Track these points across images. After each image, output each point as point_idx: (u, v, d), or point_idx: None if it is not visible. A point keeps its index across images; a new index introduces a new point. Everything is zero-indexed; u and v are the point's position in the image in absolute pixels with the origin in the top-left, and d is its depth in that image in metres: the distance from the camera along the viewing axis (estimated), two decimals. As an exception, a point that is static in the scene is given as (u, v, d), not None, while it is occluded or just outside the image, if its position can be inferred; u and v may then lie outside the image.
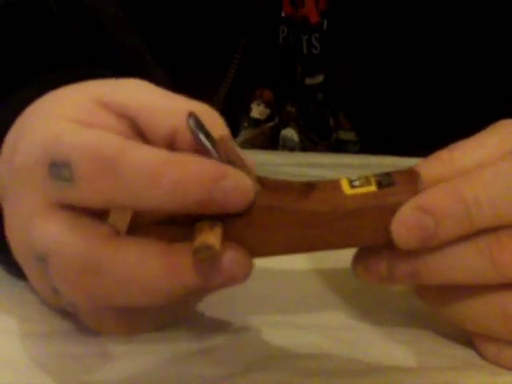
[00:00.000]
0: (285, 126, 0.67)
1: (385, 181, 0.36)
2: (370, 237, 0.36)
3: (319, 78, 0.64)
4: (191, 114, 0.35)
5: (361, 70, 0.62)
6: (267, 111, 0.66)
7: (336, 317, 0.42)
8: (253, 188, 0.34)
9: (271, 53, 0.63)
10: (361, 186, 0.36)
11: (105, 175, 0.33)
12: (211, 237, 0.33)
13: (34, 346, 0.38)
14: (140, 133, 0.37)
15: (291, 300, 0.43)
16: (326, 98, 0.65)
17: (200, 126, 0.35)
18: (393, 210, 0.35)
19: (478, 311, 0.37)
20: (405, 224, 0.35)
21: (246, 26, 0.60)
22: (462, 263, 0.36)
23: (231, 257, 0.34)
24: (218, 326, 0.41)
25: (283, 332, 0.40)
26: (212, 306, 0.42)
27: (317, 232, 0.35)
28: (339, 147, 0.66)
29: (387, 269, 0.36)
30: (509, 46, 0.59)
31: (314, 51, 0.63)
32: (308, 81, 0.64)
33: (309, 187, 0.36)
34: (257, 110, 0.66)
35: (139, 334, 0.38)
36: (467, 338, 0.39)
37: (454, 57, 0.60)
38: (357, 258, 0.37)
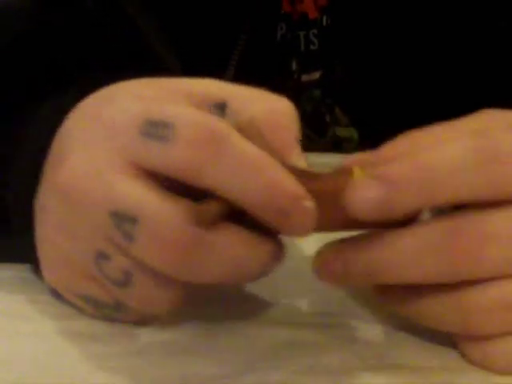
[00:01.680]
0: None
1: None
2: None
3: (316, 75, 0.64)
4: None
5: (359, 67, 0.62)
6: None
7: (336, 316, 0.42)
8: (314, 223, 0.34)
9: (269, 50, 0.63)
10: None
11: (208, 146, 0.33)
12: None
13: (29, 346, 0.38)
14: None
15: (291, 298, 0.43)
16: (323, 95, 0.65)
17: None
18: None
19: (436, 309, 0.37)
20: (360, 194, 0.35)
21: (245, 24, 0.60)
22: (417, 260, 0.36)
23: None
24: (218, 326, 0.40)
25: (283, 331, 0.40)
26: (211, 305, 0.42)
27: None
28: (336, 145, 0.66)
29: (342, 267, 0.37)
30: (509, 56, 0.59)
31: (312, 47, 0.63)
32: (304, 77, 0.64)
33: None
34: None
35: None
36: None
37: (453, 54, 0.60)
38: (316, 257, 0.38)
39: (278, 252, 0.36)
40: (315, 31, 0.62)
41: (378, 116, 0.63)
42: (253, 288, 0.43)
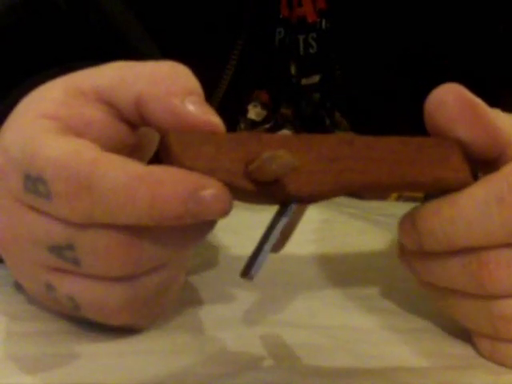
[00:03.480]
0: (281, 127, 0.67)
1: None
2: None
3: (315, 78, 0.64)
4: None
5: (358, 70, 0.62)
6: (264, 113, 0.66)
7: (337, 316, 0.42)
8: (230, 198, 0.33)
9: (267, 54, 0.63)
10: None
11: (80, 193, 0.33)
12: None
13: (30, 346, 0.38)
14: (119, 114, 0.36)
15: (291, 299, 0.43)
16: (322, 98, 0.65)
17: None
18: None
19: (468, 310, 0.38)
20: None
21: (243, 28, 0.60)
22: (449, 273, 0.38)
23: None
24: (217, 326, 0.40)
25: (283, 331, 0.40)
26: (211, 305, 0.42)
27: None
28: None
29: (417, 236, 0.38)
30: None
31: (311, 51, 0.63)
32: (304, 81, 0.64)
33: None
34: (253, 112, 0.66)
35: (140, 322, 0.38)
36: (467, 338, 0.40)
37: (452, 57, 0.60)
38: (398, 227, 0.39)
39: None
40: (314, 35, 0.62)
41: (377, 120, 0.63)
42: (253, 288, 0.43)
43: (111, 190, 0.33)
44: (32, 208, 0.35)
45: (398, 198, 0.38)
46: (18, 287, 0.42)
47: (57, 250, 0.35)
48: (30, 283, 0.38)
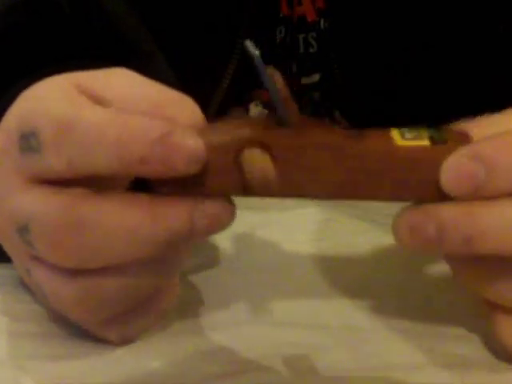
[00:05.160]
0: (281, 126, 0.67)
1: (437, 137, 0.35)
2: (417, 191, 0.34)
3: (315, 78, 0.64)
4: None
5: (357, 70, 0.62)
6: (265, 112, 0.66)
7: (336, 316, 0.42)
8: (203, 148, 0.33)
9: (269, 53, 0.63)
10: (413, 138, 0.35)
11: (64, 138, 0.34)
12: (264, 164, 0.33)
13: (22, 346, 0.38)
14: None
15: (292, 299, 0.43)
16: (323, 97, 0.65)
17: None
18: None
19: (504, 292, 0.36)
20: (455, 170, 0.34)
21: (244, 27, 0.60)
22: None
23: (216, 201, 0.33)
24: (217, 325, 0.41)
25: (283, 331, 0.40)
26: (211, 305, 0.42)
27: (364, 178, 0.34)
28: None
29: (436, 231, 0.34)
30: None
31: (311, 50, 0.63)
32: (304, 80, 0.64)
33: (358, 133, 0.35)
34: (255, 111, 0.66)
35: (126, 333, 0.38)
36: (467, 337, 0.40)
37: (452, 58, 0.60)
38: (400, 219, 0.35)
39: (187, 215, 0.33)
40: (314, 34, 0.62)
41: (376, 119, 0.63)
42: (253, 288, 0.43)
43: (85, 133, 0.33)
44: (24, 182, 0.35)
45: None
46: (18, 287, 0.42)
47: (20, 231, 0.35)
48: (19, 269, 0.39)
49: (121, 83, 0.37)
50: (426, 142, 0.34)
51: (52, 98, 0.36)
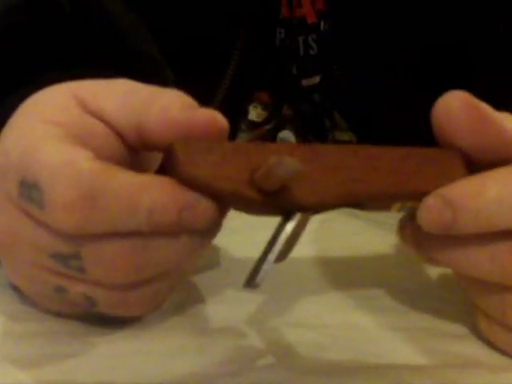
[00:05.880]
0: (282, 128, 0.67)
1: None
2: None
3: (316, 79, 0.64)
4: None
5: (356, 71, 0.62)
6: (264, 114, 0.66)
7: (337, 315, 0.42)
8: (218, 212, 0.35)
9: (268, 55, 0.63)
10: None
11: (79, 203, 0.33)
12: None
13: (21, 346, 0.38)
14: (121, 137, 0.37)
15: (292, 299, 0.43)
16: (323, 99, 0.65)
17: None
18: None
19: (482, 291, 0.38)
20: (428, 210, 0.36)
21: (244, 28, 0.60)
22: (474, 260, 0.36)
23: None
24: (217, 326, 0.41)
25: (282, 330, 0.40)
26: (211, 305, 0.42)
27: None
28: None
29: (452, 215, 0.36)
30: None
31: (311, 52, 0.63)
32: (304, 82, 0.64)
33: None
34: (254, 113, 0.66)
35: (150, 310, 0.39)
36: (467, 336, 0.40)
37: (453, 58, 0.60)
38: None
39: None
40: (314, 36, 0.63)
41: (376, 121, 0.63)
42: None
43: (115, 198, 0.33)
44: (29, 215, 0.35)
45: (401, 209, 0.37)
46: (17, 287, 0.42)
47: (60, 257, 0.35)
48: (32, 285, 0.38)
49: (119, 96, 0.37)
50: None
51: (51, 146, 0.35)
